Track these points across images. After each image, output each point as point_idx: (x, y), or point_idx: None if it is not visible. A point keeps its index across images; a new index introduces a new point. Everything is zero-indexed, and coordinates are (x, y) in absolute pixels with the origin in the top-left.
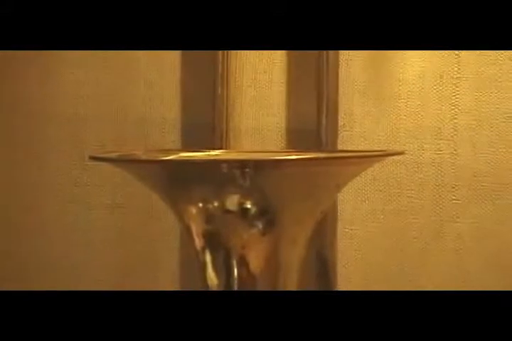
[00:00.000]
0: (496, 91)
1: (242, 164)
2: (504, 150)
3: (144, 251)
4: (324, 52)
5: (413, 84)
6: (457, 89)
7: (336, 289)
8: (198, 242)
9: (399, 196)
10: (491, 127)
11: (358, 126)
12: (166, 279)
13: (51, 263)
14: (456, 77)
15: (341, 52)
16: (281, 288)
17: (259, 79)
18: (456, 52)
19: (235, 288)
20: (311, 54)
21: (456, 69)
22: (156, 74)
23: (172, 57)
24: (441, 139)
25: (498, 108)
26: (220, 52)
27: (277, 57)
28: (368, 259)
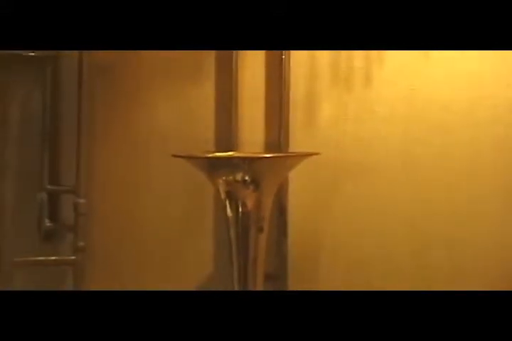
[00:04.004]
0: (365, 116)
1: (243, 159)
2: (369, 147)
3: (195, 202)
4: (283, 99)
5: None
6: (347, 115)
7: (287, 220)
8: (222, 196)
9: (315, 172)
10: (361, 137)
11: (297, 141)
12: (207, 213)
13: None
14: (345, 119)
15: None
16: (262, 216)
17: (252, 121)
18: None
19: (240, 216)
20: (275, 97)
21: (345, 109)
22: (204, 113)
23: (210, 105)
24: (338, 147)
25: (364, 125)
26: (234, 104)
27: (258, 103)
28: (301, 207)
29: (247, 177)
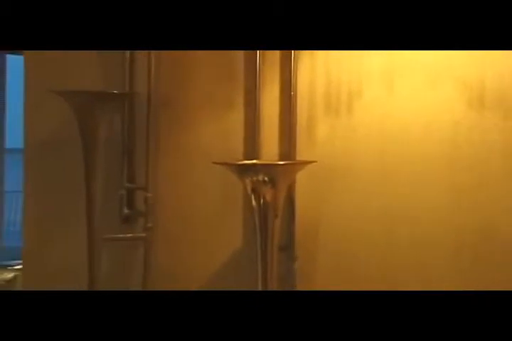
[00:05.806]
0: (349, 134)
1: (264, 165)
2: (353, 156)
3: (229, 196)
4: (291, 122)
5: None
6: (336, 134)
7: (295, 209)
8: (249, 191)
9: (315, 175)
10: (347, 149)
11: (302, 152)
12: (238, 204)
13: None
14: (335, 136)
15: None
16: (277, 205)
17: (269, 138)
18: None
19: (261, 206)
20: (286, 121)
21: (335, 130)
22: (235, 133)
23: (239, 127)
24: (331, 157)
25: (349, 141)
26: (256, 126)
27: (273, 126)
28: (304, 199)
29: (266, 178)
